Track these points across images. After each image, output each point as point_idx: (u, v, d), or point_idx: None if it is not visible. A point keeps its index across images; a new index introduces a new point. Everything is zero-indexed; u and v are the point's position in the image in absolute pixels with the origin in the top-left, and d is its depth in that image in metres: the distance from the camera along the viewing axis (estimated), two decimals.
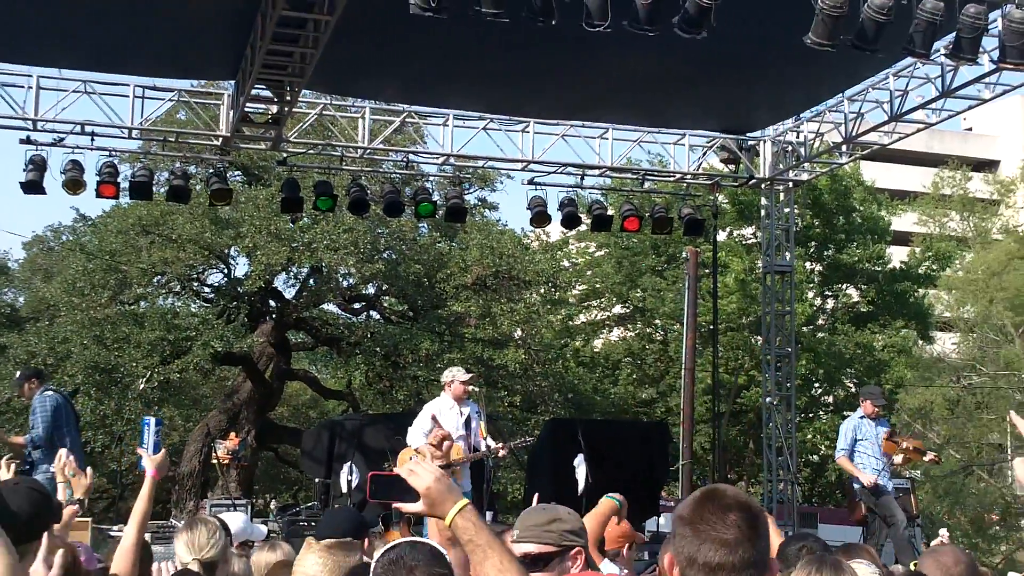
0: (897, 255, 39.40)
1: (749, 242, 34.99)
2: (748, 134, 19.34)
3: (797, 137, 19.22)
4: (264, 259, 24.14)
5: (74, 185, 16.45)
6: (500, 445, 12.78)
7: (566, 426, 18.88)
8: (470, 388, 12.78)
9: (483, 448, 12.60)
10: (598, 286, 38.21)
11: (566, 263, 36.75)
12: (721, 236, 32.95)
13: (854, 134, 17.72)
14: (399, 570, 3.34)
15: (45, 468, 12.61)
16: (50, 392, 13.26)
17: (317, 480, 19.40)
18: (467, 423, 12.57)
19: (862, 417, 13.81)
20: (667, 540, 3.70)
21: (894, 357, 35.28)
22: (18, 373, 14.09)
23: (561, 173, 18.93)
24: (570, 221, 18.77)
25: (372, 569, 3.43)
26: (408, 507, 3.18)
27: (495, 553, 3.01)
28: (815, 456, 34.82)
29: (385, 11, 12.66)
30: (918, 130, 18.54)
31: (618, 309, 38.88)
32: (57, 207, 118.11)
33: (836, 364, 34.30)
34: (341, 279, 27.75)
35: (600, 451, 16.22)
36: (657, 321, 36.50)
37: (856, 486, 13.82)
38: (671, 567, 3.18)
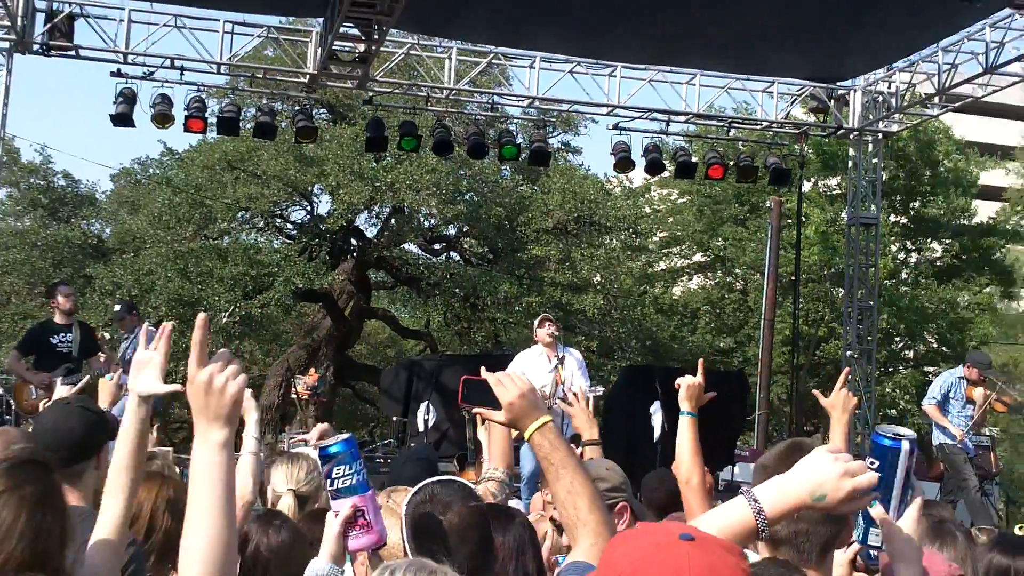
0: (985, 210, 38.66)
1: (833, 193, 34.55)
2: (839, 83, 18.99)
3: (888, 87, 18.85)
4: (347, 198, 24.29)
5: (163, 119, 16.63)
6: (571, 388, 12.08)
7: (643, 373, 18.81)
8: (549, 332, 12.36)
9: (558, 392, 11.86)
10: (679, 233, 38.04)
11: (647, 209, 36.50)
12: (805, 186, 32.56)
13: (947, 85, 17.40)
14: (435, 508, 3.29)
15: None
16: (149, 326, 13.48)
17: (395, 418, 19.57)
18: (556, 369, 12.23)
19: (961, 378, 13.59)
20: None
21: (978, 314, 34.76)
22: (119, 305, 14.25)
23: (646, 119, 18.76)
24: (654, 167, 18.62)
25: (404, 511, 3.33)
26: (491, 414, 3.18)
27: (567, 474, 3.02)
28: (893, 410, 34.49)
29: None
30: (1013, 83, 18.10)
31: (698, 257, 38.71)
32: (144, 140, 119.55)
33: (918, 319, 33.87)
34: (422, 220, 27.87)
35: (676, 399, 16.07)
36: (737, 270, 36.30)
37: (936, 443, 13.65)
38: None
